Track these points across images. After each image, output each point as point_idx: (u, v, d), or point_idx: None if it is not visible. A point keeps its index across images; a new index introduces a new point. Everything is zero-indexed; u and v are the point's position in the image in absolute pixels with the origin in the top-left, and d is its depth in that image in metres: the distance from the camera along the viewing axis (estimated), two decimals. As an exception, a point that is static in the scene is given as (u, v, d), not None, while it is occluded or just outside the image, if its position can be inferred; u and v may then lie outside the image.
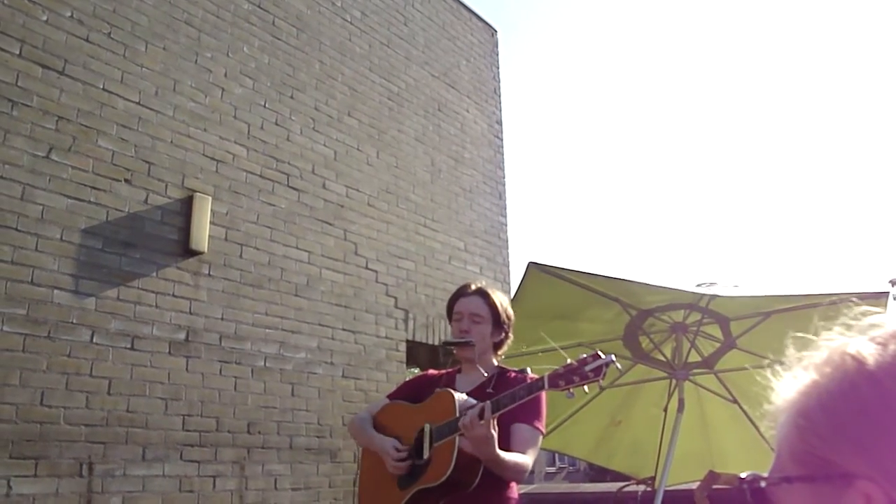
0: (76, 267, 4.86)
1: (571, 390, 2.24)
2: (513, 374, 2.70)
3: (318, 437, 6.03)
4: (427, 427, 2.55)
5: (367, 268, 6.83)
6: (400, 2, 8.14)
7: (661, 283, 4.14)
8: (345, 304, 6.56)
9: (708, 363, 4.71)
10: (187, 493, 5.11)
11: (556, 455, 27.31)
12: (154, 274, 5.26)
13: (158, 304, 5.23)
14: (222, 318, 5.59)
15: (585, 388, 2.24)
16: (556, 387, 2.25)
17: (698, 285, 4.24)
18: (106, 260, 5.02)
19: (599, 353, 2.25)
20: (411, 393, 2.87)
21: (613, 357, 2.23)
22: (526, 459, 2.49)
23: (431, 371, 3.10)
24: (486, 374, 2.73)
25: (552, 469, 30.23)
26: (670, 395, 4.68)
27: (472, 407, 2.34)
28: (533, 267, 4.28)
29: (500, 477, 2.46)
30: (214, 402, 5.41)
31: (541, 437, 2.63)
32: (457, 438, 2.39)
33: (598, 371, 2.22)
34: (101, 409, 4.78)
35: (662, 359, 4.69)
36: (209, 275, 5.59)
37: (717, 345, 4.68)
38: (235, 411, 5.53)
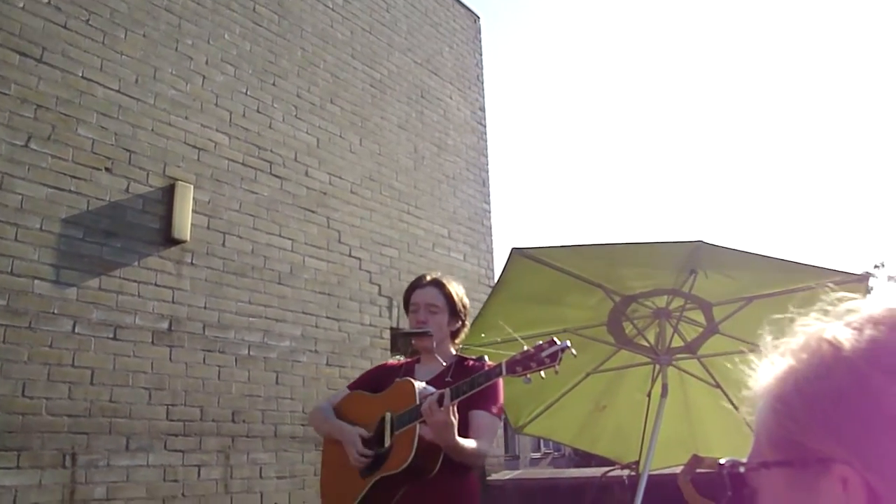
0: (57, 257, 4.82)
1: (528, 376, 2.29)
2: (471, 363, 2.76)
3: (302, 425, 6.03)
4: (388, 415, 2.60)
5: (350, 255, 6.82)
6: (382, -12, 8.09)
7: (641, 242, 4.13)
8: (329, 291, 6.54)
9: (691, 348, 4.74)
10: (172, 483, 5.10)
11: (541, 441, 27.44)
12: (136, 263, 5.22)
13: (141, 294, 5.20)
14: (205, 307, 5.57)
15: (542, 373, 2.28)
16: (514, 373, 2.30)
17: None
18: (87, 249, 4.98)
19: (555, 339, 2.31)
20: (371, 383, 2.92)
21: (569, 343, 2.29)
22: (484, 445, 2.56)
23: (390, 361, 3.17)
24: (444, 364, 2.78)
25: (537, 455, 30.37)
26: (654, 381, 4.70)
27: (432, 395, 2.38)
28: (516, 253, 4.28)
29: (460, 463, 2.51)
30: (198, 391, 5.39)
31: (498, 423, 2.70)
32: (417, 426, 2.44)
33: (553, 357, 2.27)
34: (83, 399, 4.76)
35: (646, 344, 4.71)
36: (192, 263, 5.56)
37: (700, 330, 4.70)
38: (220, 400, 5.51)
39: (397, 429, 2.52)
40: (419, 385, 2.55)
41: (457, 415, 2.37)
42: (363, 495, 2.57)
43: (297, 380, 6.11)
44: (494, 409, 2.65)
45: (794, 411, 0.61)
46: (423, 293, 2.88)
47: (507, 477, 7.62)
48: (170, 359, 5.27)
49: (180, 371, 5.31)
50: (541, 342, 2.31)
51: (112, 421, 4.87)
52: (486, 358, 2.71)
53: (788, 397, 0.62)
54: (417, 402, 2.45)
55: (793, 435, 0.61)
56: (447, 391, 2.34)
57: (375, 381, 2.90)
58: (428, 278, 2.94)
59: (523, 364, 2.29)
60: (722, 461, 0.66)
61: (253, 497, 5.59)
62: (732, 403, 4.44)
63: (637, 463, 4.93)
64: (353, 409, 2.83)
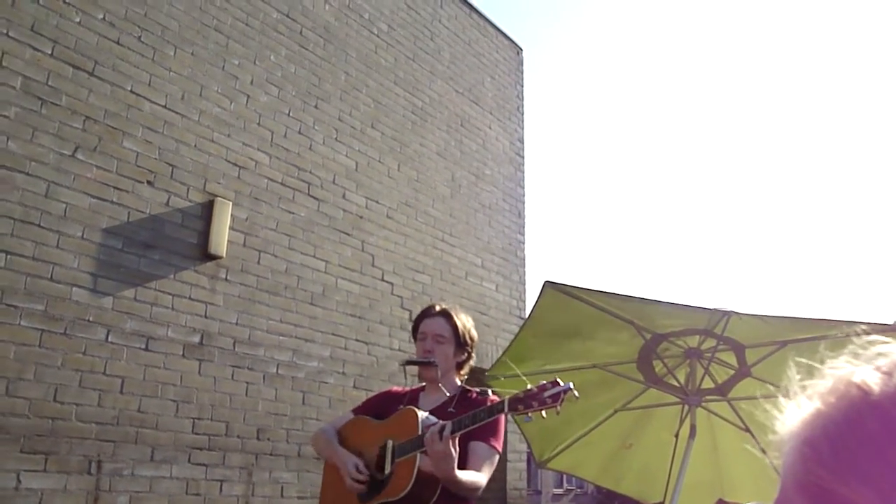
0: (95, 266, 4.90)
1: (530, 414, 2.30)
2: (474, 395, 2.78)
3: (326, 446, 6.02)
4: (390, 443, 2.62)
5: (382, 280, 6.84)
6: (427, 17, 8.19)
7: (674, 302, 4.11)
8: (359, 314, 6.56)
9: (721, 390, 4.67)
10: (194, 496, 5.12)
11: (564, 476, 27.12)
12: (171, 276, 5.29)
13: (174, 307, 5.27)
14: (237, 324, 5.61)
15: (543, 413, 2.29)
16: (516, 411, 2.32)
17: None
18: (125, 260, 5.06)
19: (559, 380, 2.32)
20: (376, 408, 2.94)
21: (571, 385, 2.29)
22: (481, 478, 2.56)
23: (395, 388, 3.18)
24: (448, 394, 2.79)
25: (559, 490, 30.02)
26: (682, 421, 4.64)
27: (434, 426, 2.40)
28: (549, 286, 4.27)
29: (457, 494, 2.51)
30: (225, 406, 5.42)
31: (497, 456, 2.69)
32: (418, 455, 2.46)
33: (556, 398, 2.28)
34: (112, 407, 4.81)
35: (676, 384, 4.65)
36: (226, 279, 5.61)
37: (732, 372, 4.64)
38: (245, 417, 5.54)
39: (398, 457, 2.55)
40: (422, 415, 2.57)
41: (457, 448, 2.39)
42: None
43: (324, 401, 6.12)
44: (494, 442, 2.66)
45: (822, 456, 0.60)
46: (431, 323, 2.90)
47: (529, 511, 7.53)
48: (199, 372, 5.31)
49: (208, 385, 5.35)
50: (544, 382, 2.33)
51: (139, 431, 4.92)
52: (490, 392, 2.75)
53: (816, 441, 0.61)
54: (420, 431, 2.47)
55: (820, 480, 0.60)
56: (449, 424, 2.35)
57: (380, 406, 2.93)
58: (437, 308, 2.97)
59: (525, 403, 2.31)
60: None
61: (273, 516, 5.58)
62: (761, 448, 4.37)
63: (662, 504, 4.85)
64: (355, 433, 2.86)
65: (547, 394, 2.29)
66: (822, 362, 0.65)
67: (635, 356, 4.67)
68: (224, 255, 5.59)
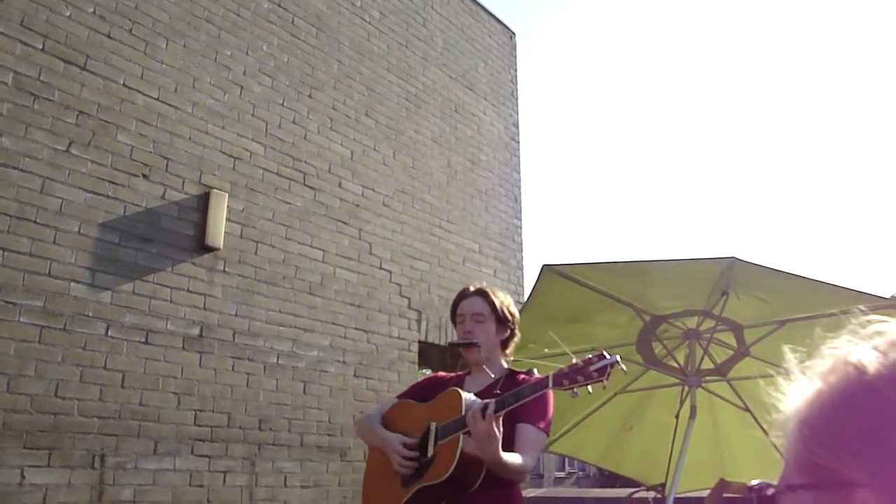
0: (93, 260, 4.90)
1: (575, 390, 2.23)
2: (521, 377, 2.70)
3: (328, 435, 6.05)
4: (433, 425, 2.57)
5: (381, 268, 6.85)
6: (419, 3, 8.15)
7: (673, 259, 4.09)
8: (358, 303, 6.57)
9: (721, 370, 4.70)
10: (197, 488, 5.14)
11: (566, 459, 27.23)
12: (169, 269, 5.29)
13: (173, 299, 5.27)
14: (236, 315, 5.62)
15: (589, 388, 2.22)
16: (560, 386, 2.24)
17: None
18: (122, 254, 5.06)
19: (605, 353, 2.24)
20: (421, 393, 2.89)
21: (618, 358, 2.22)
22: (527, 461, 2.49)
23: (441, 373, 3.11)
24: (493, 376, 2.73)
25: (561, 474, 30.13)
26: (682, 402, 4.67)
27: (476, 405, 2.34)
28: (547, 269, 4.28)
29: (502, 478, 2.46)
30: (226, 397, 5.43)
31: (544, 439, 2.63)
32: (461, 437, 2.40)
33: (602, 371, 2.20)
34: (114, 401, 4.82)
35: (675, 365, 4.68)
36: (224, 271, 5.62)
37: (731, 352, 4.66)
38: (247, 408, 5.55)
39: (441, 438, 2.49)
40: (466, 395, 2.51)
41: (501, 428, 2.32)
42: None
43: (325, 390, 6.14)
44: (541, 424, 2.59)
45: (820, 435, 0.61)
46: (468, 303, 2.86)
47: (532, 495, 7.58)
48: (199, 364, 5.32)
49: (209, 377, 5.36)
50: (590, 356, 2.25)
51: (141, 424, 4.93)
52: (536, 371, 2.64)
53: (814, 421, 0.62)
54: (463, 412, 2.41)
55: (818, 458, 0.61)
56: (492, 402, 2.29)
57: (425, 391, 2.88)
58: (472, 288, 2.93)
59: (570, 378, 2.24)
60: (752, 483, 0.67)
61: (277, 505, 5.61)
62: (762, 427, 4.39)
63: (663, 485, 4.88)
64: (399, 417, 2.82)
65: (593, 367, 2.22)
66: (821, 343, 0.66)
67: (634, 338, 4.69)
68: (221, 246, 5.59)
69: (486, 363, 2.77)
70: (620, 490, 7.36)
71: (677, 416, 4.73)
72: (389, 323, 6.80)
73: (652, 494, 5.17)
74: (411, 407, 2.81)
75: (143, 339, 5.04)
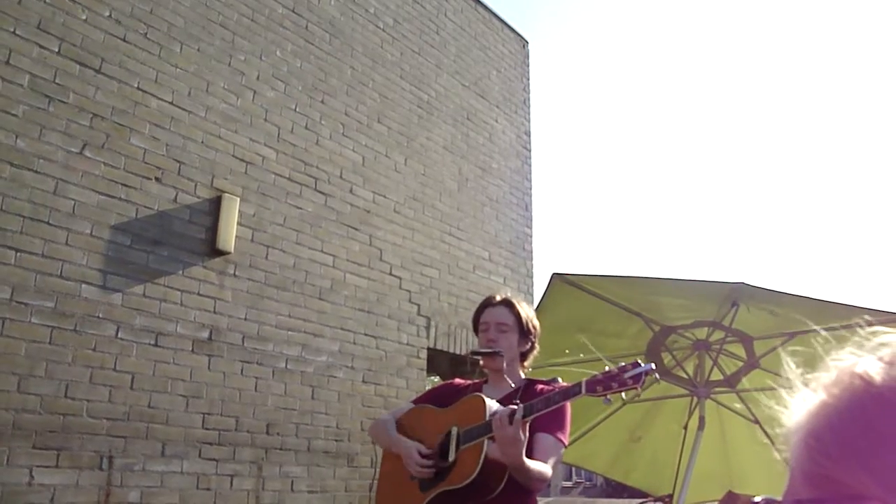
0: (104, 262, 4.92)
1: (609, 396, 2.23)
2: (540, 387, 2.68)
3: (336, 440, 6.05)
4: (454, 430, 2.55)
5: (391, 274, 6.85)
6: (432, 10, 8.17)
7: (682, 279, 4.09)
8: (367, 309, 6.58)
9: (730, 382, 4.68)
10: (204, 491, 5.15)
11: (573, 469, 27.14)
12: (180, 272, 5.31)
13: (183, 303, 5.28)
14: (246, 319, 5.63)
15: (623, 395, 2.23)
16: (594, 392, 2.25)
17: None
18: (134, 256, 5.08)
19: (639, 360, 2.25)
20: (437, 399, 2.88)
21: (653, 366, 2.23)
22: (547, 469, 2.48)
23: (458, 380, 3.09)
24: (513, 385, 2.72)
25: (568, 483, 30.02)
26: (691, 413, 4.65)
27: (505, 409, 2.33)
28: (557, 278, 4.28)
29: (522, 485, 2.45)
30: (235, 401, 5.44)
31: (563, 449, 2.62)
32: (485, 442, 2.39)
33: (637, 379, 2.21)
34: (123, 403, 4.83)
35: (684, 376, 4.66)
36: (234, 275, 5.63)
37: (740, 364, 4.64)
38: (255, 412, 5.56)
39: (464, 443, 2.48)
40: (490, 402, 2.50)
41: (527, 434, 2.31)
42: None
43: (333, 395, 6.14)
44: (561, 435, 2.59)
45: (827, 447, 0.60)
46: (493, 312, 2.85)
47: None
48: (208, 368, 5.34)
49: (218, 380, 5.37)
50: (624, 363, 2.26)
51: (149, 426, 4.94)
52: (560, 380, 2.65)
53: (821, 433, 0.61)
54: (487, 418, 2.40)
55: (826, 471, 0.60)
56: (520, 407, 2.28)
57: (441, 397, 2.87)
58: (498, 298, 2.91)
59: (604, 384, 2.24)
60: (757, 499, 0.66)
61: (283, 510, 5.61)
62: (770, 440, 4.37)
63: (671, 496, 4.86)
64: (416, 422, 2.81)
65: (628, 375, 2.22)
66: (823, 354, 0.66)
67: (644, 348, 4.68)
68: (232, 250, 5.61)
69: (505, 372, 2.76)
70: (628, 500, 7.33)
71: (686, 427, 4.71)
72: (399, 329, 6.80)
73: (659, 505, 5.15)
74: (429, 412, 2.80)
75: (152, 342, 5.06)
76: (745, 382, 4.64)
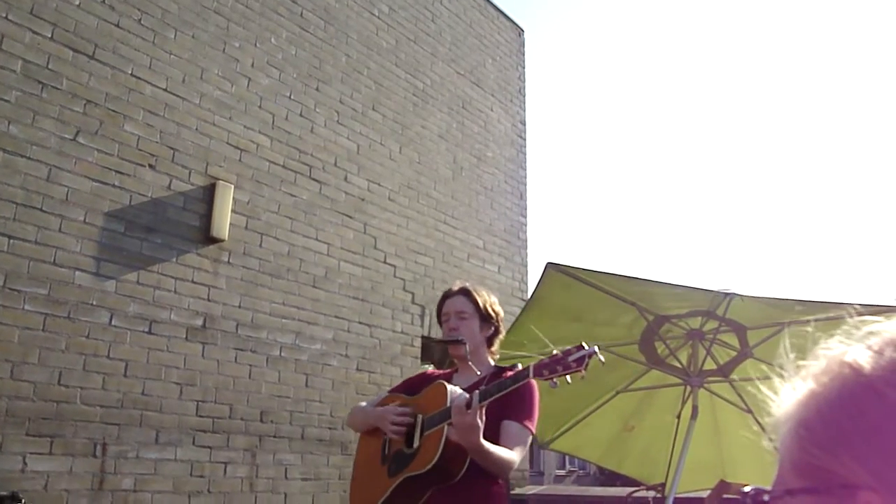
0: (98, 249, 4.91)
1: (555, 380, 2.28)
2: (508, 373, 2.75)
3: (329, 428, 6.06)
4: (419, 417, 2.63)
5: (385, 262, 6.85)
6: (428, -2, 8.14)
7: (677, 283, 4.10)
8: (362, 297, 6.58)
9: (723, 371, 4.68)
10: (198, 478, 5.16)
11: (566, 458, 27.25)
12: (174, 259, 5.30)
13: (177, 290, 5.28)
14: (240, 306, 5.63)
15: (568, 378, 2.27)
16: (541, 376, 2.30)
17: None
18: (127, 244, 5.07)
19: (584, 343, 2.30)
20: (410, 389, 2.96)
21: (597, 348, 2.27)
22: (512, 455, 2.54)
23: (430, 369, 3.19)
24: (479, 373, 2.79)
25: (562, 472, 30.16)
26: (684, 402, 4.66)
27: (460, 396, 2.41)
28: (551, 268, 4.27)
29: (486, 470, 2.51)
30: (228, 389, 5.45)
31: (530, 437, 2.68)
32: (445, 428, 2.45)
33: (580, 361, 2.26)
34: (116, 390, 4.83)
35: (678, 365, 4.66)
36: (228, 262, 5.62)
37: (734, 353, 4.65)
38: (249, 399, 5.56)
39: (426, 430, 2.54)
40: (452, 388, 2.56)
41: (484, 418, 2.37)
42: (389, 494, 2.59)
43: (327, 383, 6.15)
44: (528, 423, 2.64)
45: (817, 436, 0.60)
46: (452, 302, 2.92)
47: (532, 492, 7.58)
48: (202, 355, 5.33)
49: (212, 368, 5.37)
50: (569, 347, 2.31)
51: (143, 414, 4.94)
52: (520, 366, 2.70)
53: (811, 422, 0.61)
54: (448, 404, 2.46)
55: (817, 461, 0.60)
56: (475, 394, 2.34)
57: (414, 387, 2.93)
58: (455, 287, 2.99)
59: (550, 368, 2.29)
60: (746, 489, 0.66)
61: (277, 497, 5.62)
62: (763, 429, 4.38)
63: (663, 485, 4.88)
64: None
65: (571, 357, 2.26)
66: (813, 343, 0.65)
67: (637, 337, 4.68)
68: (226, 238, 5.60)
69: (471, 360, 2.83)
70: (620, 489, 7.36)
71: (679, 416, 4.72)
72: (393, 317, 6.80)
73: (652, 494, 5.17)
74: (400, 400, 2.87)
75: (146, 329, 5.05)
76: (739, 372, 4.65)
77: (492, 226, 8.21)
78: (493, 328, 2.92)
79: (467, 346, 2.81)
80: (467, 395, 2.38)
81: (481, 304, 2.89)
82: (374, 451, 2.75)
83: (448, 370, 3.02)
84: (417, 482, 2.52)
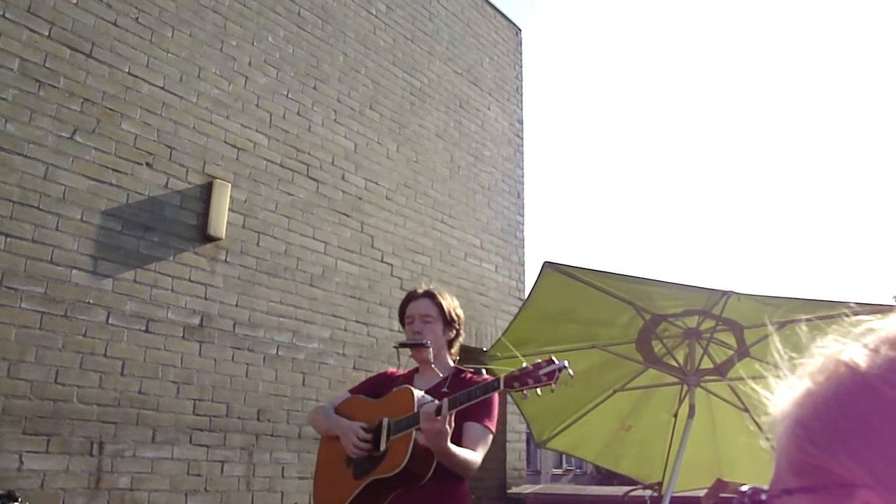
0: (95, 248, 4.90)
1: (525, 392, 2.35)
2: (468, 375, 2.83)
3: (326, 427, 6.05)
4: (385, 420, 2.66)
5: (382, 261, 6.85)
6: (426, -3, 8.14)
7: (674, 282, 4.10)
8: (359, 296, 6.57)
9: (720, 370, 4.69)
10: (195, 477, 5.15)
11: (563, 457, 27.26)
12: (171, 258, 5.30)
13: (174, 289, 5.27)
14: (237, 305, 5.62)
15: (538, 390, 2.34)
16: (511, 388, 2.37)
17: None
18: (124, 242, 5.06)
19: (553, 358, 2.36)
20: (371, 389, 3.01)
21: (566, 363, 2.33)
22: (475, 456, 2.61)
23: (391, 370, 3.25)
24: (441, 375, 2.85)
25: (558, 471, 30.17)
26: (681, 401, 4.66)
27: (430, 404, 2.45)
28: (548, 267, 4.27)
29: (451, 471, 2.56)
30: (225, 387, 5.44)
31: (490, 436, 2.75)
32: (413, 432, 2.50)
33: (551, 375, 2.33)
34: (113, 389, 4.83)
35: (675, 364, 4.67)
36: (225, 261, 5.62)
37: (731, 352, 4.65)
38: (246, 398, 5.56)
39: (394, 434, 2.59)
40: (418, 393, 2.61)
41: (453, 424, 2.43)
42: (354, 496, 2.63)
43: (324, 382, 6.14)
44: (488, 422, 2.71)
45: (814, 435, 0.60)
46: (416, 305, 2.97)
47: (528, 491, 7.58)
48: (199, 354, 5.33)
49: (209, 367, 5.37)
50: (539, 360, 2.37)
51: (140, 412, 4.94)
52: (484, 371, 2.80)
53: (807, 421, 0.61)
54: (415, 409, 2.51)
55: (814, 460, 0.60)
56: (445, 402, 2.39)
57: (376, 387, 2.99)
58: (420, 290, 3.04)
59: (521, 381, 2.35)
60: (744, 488, 0.66)
61: (274, 496, 5.62)
62: (759, 427, 4.38)
63: (660, 484, 4.88)
64: (351, 412, 2.91)
65: (542, 371, 2.34)
66: (810, 342, 0.65)
67: (634, 336, 4.68)
68: (223, 236, 5.59)
69: (434, 361, 2.87)
70: (617, 488, 7.37)
71: (676, 415, 4.72)
72: (390, 316, 6.80)
73: (649, 493, 5.18)
74: (364, 402, 2.91)
75: (143, 328, 5.05)
76: (735, 371, 4.65)
77: (489, 225, 8.22)
78: (455, 332, 2.98)
79: (431, 350, 2.85)
80: (436, 402, 2.44)
81: (446, 309, 2.95)
82: (337, 451, 2.79)
83: (409, 371, 3.08)
84: (383, 485, 2.58)
